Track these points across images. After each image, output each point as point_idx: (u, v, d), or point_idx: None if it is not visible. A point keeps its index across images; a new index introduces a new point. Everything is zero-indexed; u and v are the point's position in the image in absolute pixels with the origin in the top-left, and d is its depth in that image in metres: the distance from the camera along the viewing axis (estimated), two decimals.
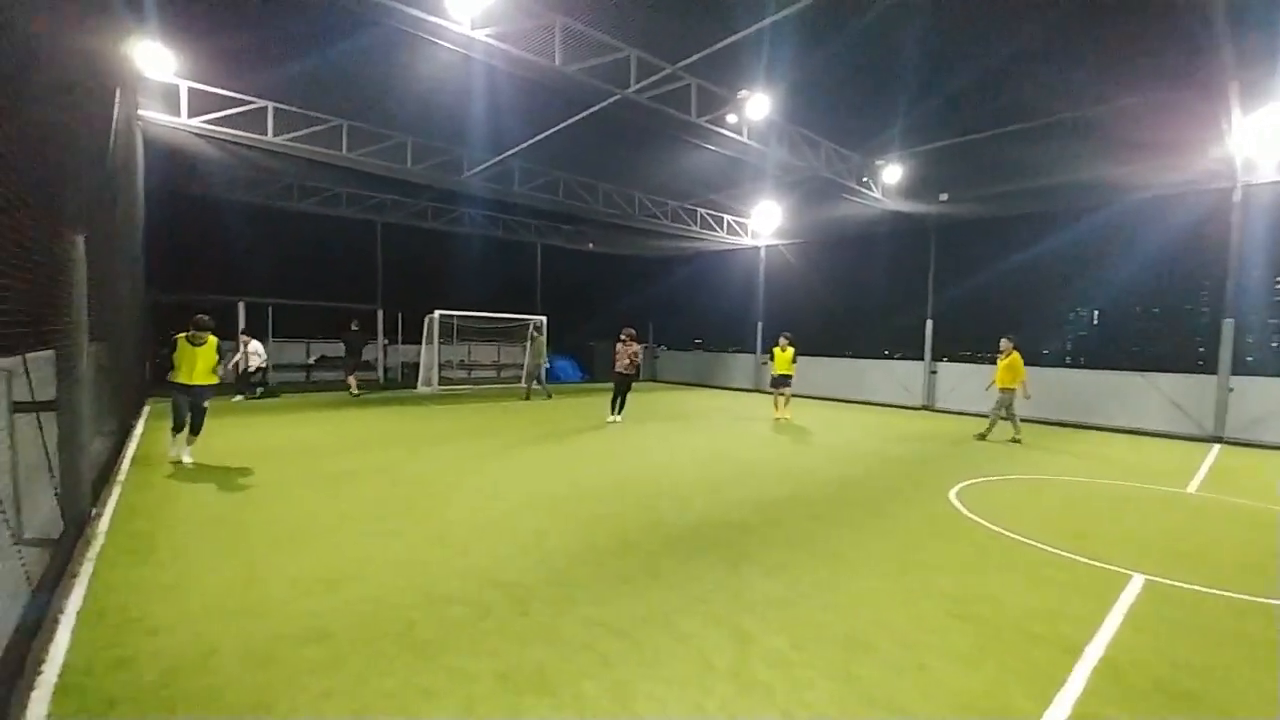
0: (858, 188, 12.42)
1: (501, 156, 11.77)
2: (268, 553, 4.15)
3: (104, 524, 4.63)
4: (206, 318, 6.64)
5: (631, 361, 11.16)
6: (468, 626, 3.16)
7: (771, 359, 12.32)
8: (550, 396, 15.40)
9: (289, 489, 5.81)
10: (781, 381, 12.00)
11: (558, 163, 13.12)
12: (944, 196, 14.00)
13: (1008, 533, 5.14)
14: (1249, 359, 11.39)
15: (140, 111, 9.09)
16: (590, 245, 21.02)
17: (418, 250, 18.22)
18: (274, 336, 16.07)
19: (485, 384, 18.53)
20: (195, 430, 6.77)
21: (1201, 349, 12.11)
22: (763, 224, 17.26)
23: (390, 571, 3.87)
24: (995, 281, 14.33)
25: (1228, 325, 10.99)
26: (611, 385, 11.53)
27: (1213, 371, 11.24)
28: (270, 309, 16.10)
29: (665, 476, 6.83)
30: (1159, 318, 13.14)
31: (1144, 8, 7.11)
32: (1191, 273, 12.41)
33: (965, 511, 5.78)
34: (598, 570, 3.99)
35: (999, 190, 12.93)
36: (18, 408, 3.76)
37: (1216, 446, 10.39)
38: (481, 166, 12.21)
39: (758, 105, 9.27)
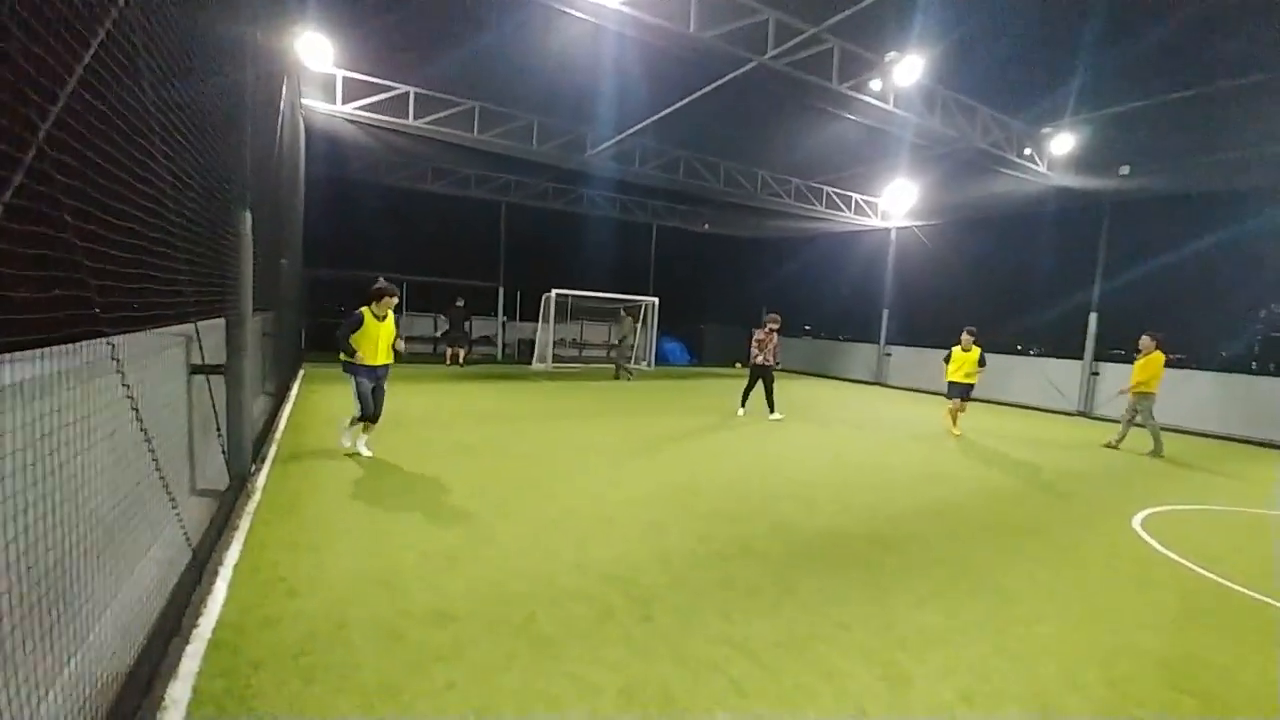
0: (1019, 160, 10.92)
1: (625, 135, 11.59)
2: (395, 522, 4.27)
3: (261, 480, 5.03)
4: (389, 285, 5.79)
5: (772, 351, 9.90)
6: (589, 628, 2.99)
7: (948, 360, 9.75)
8: (631, 378, 15.36)
9: (417, 459, 6.05)
10: (962, 391, 9.52)
11: (681, 141, 12.77)
12: (1125, 169, 12.02)
13: (1224, 581, 4.18)
14: None
15: (302, 100, 9.88)
16: (705, 226, 20.52)
17: (538, 230, 18.73)
18: (407, 310, 17.29)
19: (596, 363, 18.82)
20: (376, 417, 6.01)
21: None
22: (895, 203, 15.89)
23: (510, 555, 3.82)
24: (1176, 270, 12.08)
25: None
26: (744, 373, 10.67)
27: None
28: (404, 285, 17.32)
29: (785, 474, 6.38)
30: None
31: None
32: None
33: (1157, 546, 4.82)
34: (722, 577, 3.69)
35: (1194, 162, 10.83)
36: (194, 370, 4.11)
37: None
38: (605, 145, 12.13)
39: (908, 69, 8.31)
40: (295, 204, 10.27)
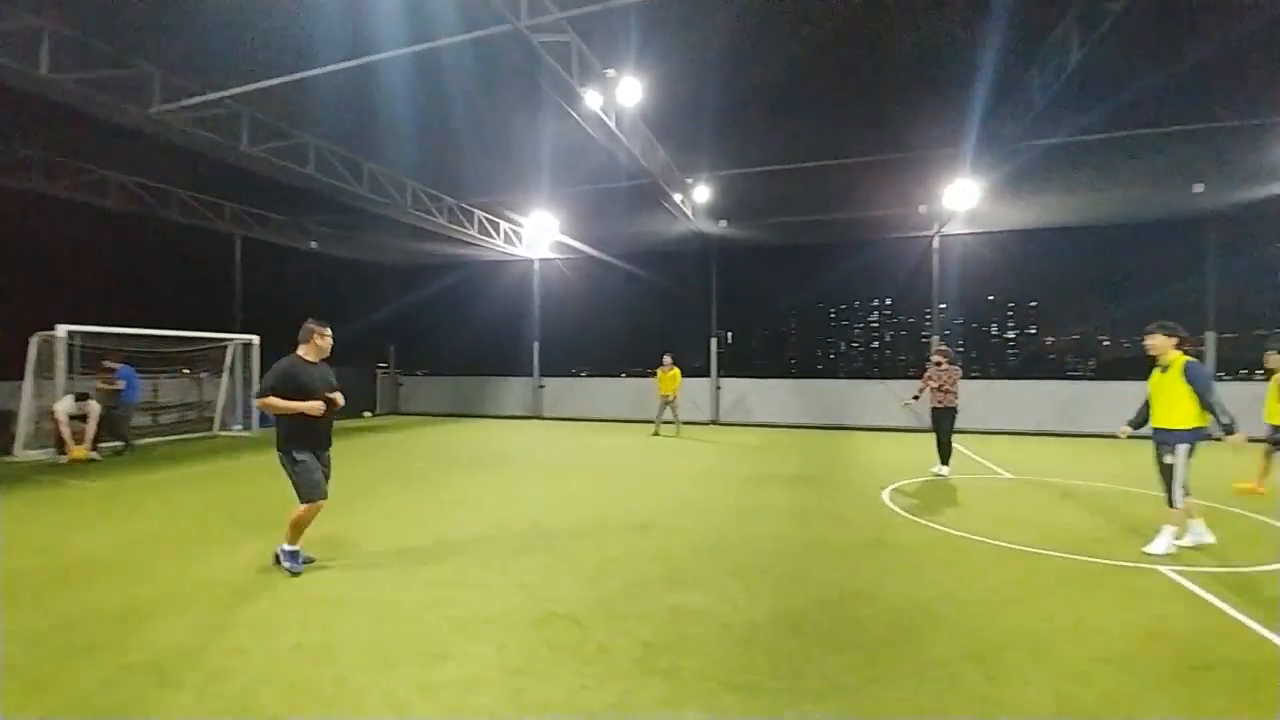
0: (679, 204, 12.03)
1: (228, 93, 7.70)
2: None
3: None
4: None
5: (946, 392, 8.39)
6: None
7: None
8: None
9: None
10: None
11: (315, 122, 9.39)
12: (723, 222, 14.75)
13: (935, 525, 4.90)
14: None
15: None
16: (313, 244, 16.19)
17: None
18: None
19: (180, 432, 12.31)
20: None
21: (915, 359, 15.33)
22: (540, 232, 15.62)
23: None
24: (783, 305, 15.79)
25: (934, 341, 14.02)
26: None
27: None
28: None
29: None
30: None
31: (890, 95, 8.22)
32: (906, 309, 15.79)
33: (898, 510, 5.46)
34: None
35: (794, 221, 14.10)
36: None
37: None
38: (191, 101, 7.82)
39: (628, 90, 7.90)
40: None
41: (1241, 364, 14.28)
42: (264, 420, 14.13)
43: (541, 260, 17.18)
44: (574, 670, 3.14)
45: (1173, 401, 4.95)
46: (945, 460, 8.51)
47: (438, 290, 17.14)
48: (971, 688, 3.00)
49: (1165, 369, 5.03)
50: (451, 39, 6.43)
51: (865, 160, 10.85)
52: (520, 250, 16.51)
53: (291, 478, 4.49)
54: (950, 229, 14.00)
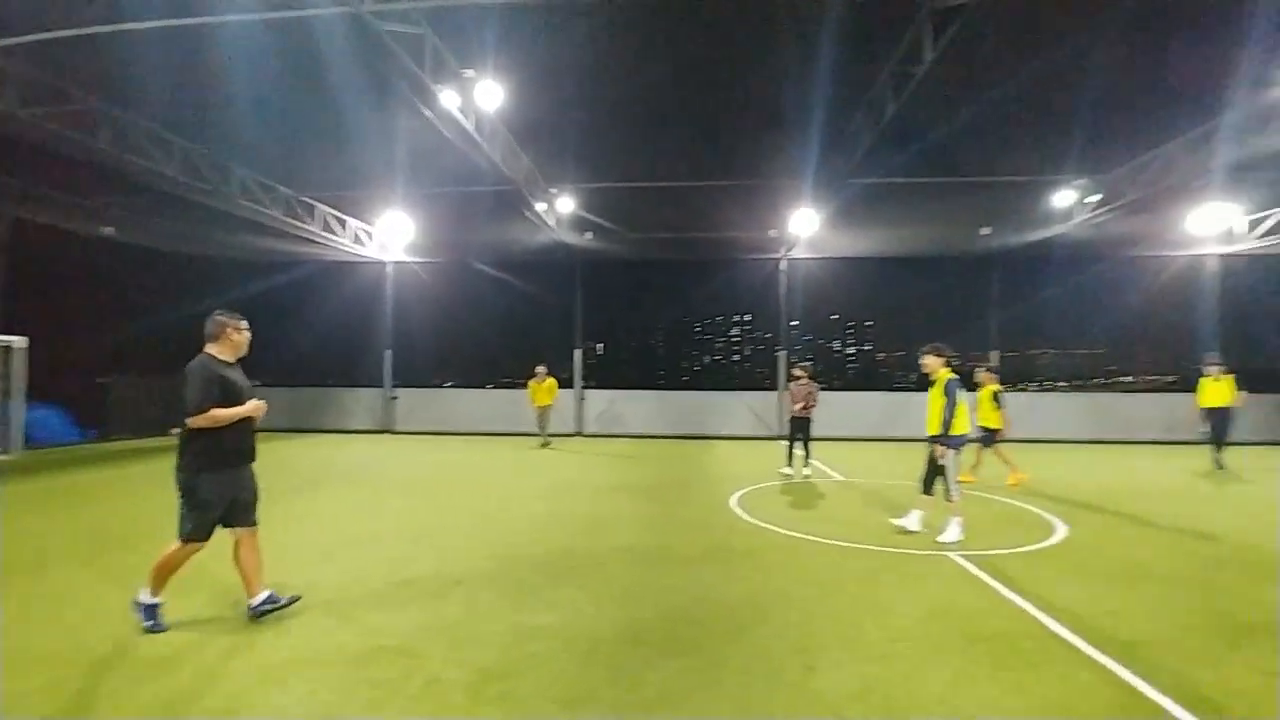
0: (542, 214, 11.90)
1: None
2: None
3: None
4: None
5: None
6: None
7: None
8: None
9: None
10: None
11: (108, 84, 8.00)
12: (589, 234, 14.87)
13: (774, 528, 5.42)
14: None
15: None
16: (108, 230, 13.72)
17: None
18: None
19: None
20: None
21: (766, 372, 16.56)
22: (395, 234, 14.62)
23: None
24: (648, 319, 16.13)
25: (782, 356, 15.21)
26: None
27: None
28: None
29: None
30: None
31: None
32: (764, 324, 17.03)
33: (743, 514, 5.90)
34: None
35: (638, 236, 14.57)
36: None
37: None
38: None
39: (488, 93, 7.70)
40: None
41: (1019, 377, 17.25)
42: (31, 439, 11.67)
43: (396, 263, 16.10)
44: (396, 709, 2.89)
45: (940, 412, 5.76)
46: (806, 461, 9.60)
47: (274, 291, 15.30)
48: (792, 680, 3.22)
49: (935, 384, 5.87)
50: (280, 14, 5.82)
51: (722, 184, 11.56)
52: (371, 251, 15.36)
53: (184, 507, 3.66)
54: (796, 253, 15.31)
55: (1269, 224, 12.89)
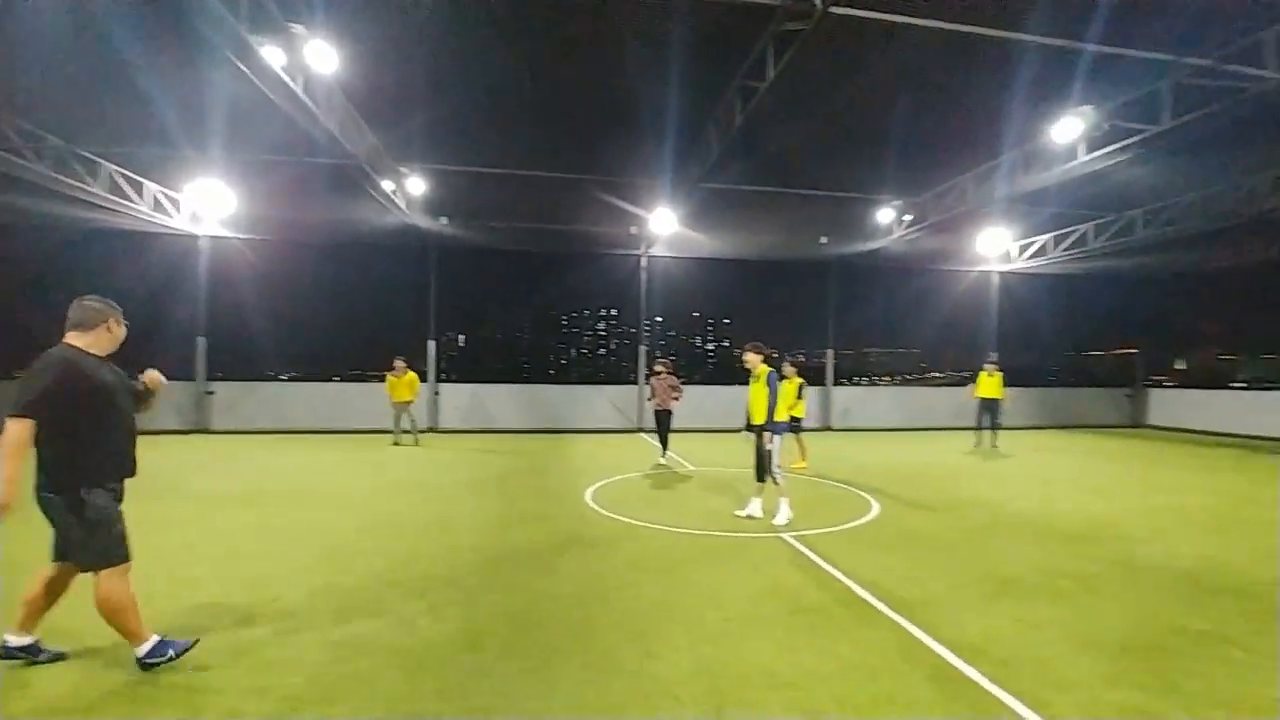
0: (390, 193, 11.00)
1: None
2: None
3: None
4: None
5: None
6: None
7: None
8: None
9: None
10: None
11: None
12: (444, 219, 14.09)
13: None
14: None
15: None
16: None
17: None
18: None
19: None
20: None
21: (624, 365, 16.83)
22: (211, 204, 12.70)
23: None
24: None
25: (642, 350, 15.56)
26: None
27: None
28: None
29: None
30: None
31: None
32: (630, 319, 17.21)
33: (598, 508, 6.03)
34: None
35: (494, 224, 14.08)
36: None
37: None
38: None
39: (321, 55, 6.92)
40: None
41: (852, 374, 19.45)
42: None
43: (212, 238, 13.99)
44: None
45: (763, 403, 6.28)
46: (663, 453, 10.07)
47: (41, 262, 12.52)
48: (632, 668, 3.26)
49: (757, 379, 6.35)
50: None
51: (583, 178, 11.50)
52: (179, 223, 13.22)
53: (79, 532, 2.88)
54: (656, 251, 15.73)
55: (1033, 249, 15.76)
